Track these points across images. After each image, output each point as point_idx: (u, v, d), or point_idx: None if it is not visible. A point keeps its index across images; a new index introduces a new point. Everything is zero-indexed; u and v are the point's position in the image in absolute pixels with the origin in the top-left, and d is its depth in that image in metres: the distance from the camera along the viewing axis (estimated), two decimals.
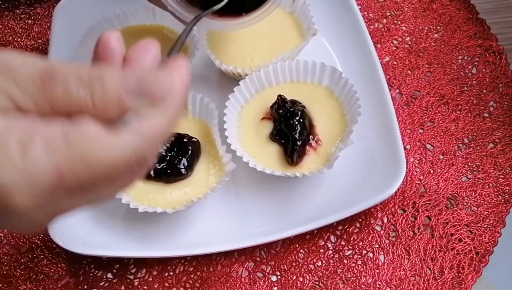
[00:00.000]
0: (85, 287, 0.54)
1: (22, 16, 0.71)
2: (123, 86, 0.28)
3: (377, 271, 0.54)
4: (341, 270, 0.54)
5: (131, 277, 0.55)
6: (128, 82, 0.28)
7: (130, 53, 0.32)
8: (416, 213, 0.57)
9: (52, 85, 0.27)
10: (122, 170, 0.28)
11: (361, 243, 0.55)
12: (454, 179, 0.58)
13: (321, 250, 0.55)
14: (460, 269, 0.54)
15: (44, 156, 0.26)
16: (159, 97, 0.29)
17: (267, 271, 0.54)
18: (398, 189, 0.55)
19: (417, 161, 0.59)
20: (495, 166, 0.59)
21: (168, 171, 0.53)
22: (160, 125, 0.29)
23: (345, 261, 0.54)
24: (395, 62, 0.65)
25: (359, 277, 0.54)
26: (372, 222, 0.56)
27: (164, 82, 0.29)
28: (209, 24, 0.51)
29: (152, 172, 0.53)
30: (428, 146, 0.60)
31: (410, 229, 0.56)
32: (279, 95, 0.56)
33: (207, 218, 0.56)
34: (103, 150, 0.27)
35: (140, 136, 0.28)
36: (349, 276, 0.54)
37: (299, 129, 0.54)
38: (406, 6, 0.69)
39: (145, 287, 0.54)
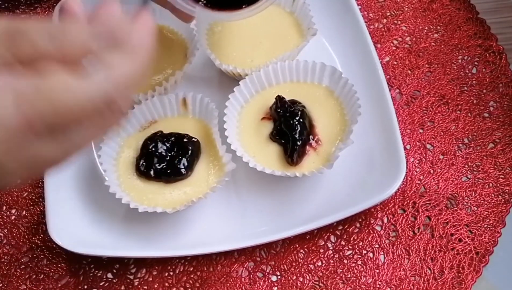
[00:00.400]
0: (85, 287, 0.54)
1: (22, 16, 0.71)
2: (88, 32, 0.30)
3: (377, 271, 0.54)
4: (341, 270, 0.54)
5: (131, 277, 0.55)
6: (93, 29, 0.30)
7: (93, 14, 0.33)
8: (416, 213, 0.57)
9: (20, 39, 0.28)
10: (90, 112, 0.29)
11: (361, 243, 0.55)
12: (454, 179, 0.58)
13: (321, 250, 0.55)
14: (460, 269, 0.54)
15: (12, 105, 0.27)
16: (124, 39, 0.31)
17: (267, 271, 0.54)
18: (398, 189, 0.55)
19: (417, 161, 0.59)
20: (495, 166, 0.59)
21: (168, 171, 0.53)
22: (129, 70, 0.30)
23: (345, 261, 0.54)
24: (395, 62, 0.65)
25: (359, 277, 0.54)
26: (372, 222, 0.56)
27: (127, 26, 0.31)
28: (211, 16, 0.52)
29: (152, 172, 0.53)
30: (428, 146, 0.60)
31: (410, 229, 0.56)
32: (277, 96, 0.56)
33: (207, 218, 0.56)
34: (70, 93, 0.28)
35: (110, 82, 0.30)
36: (349, 276, 0.54)
37: (299, 129, 0.54)
38: (406, 6, 0.69)
39: (145, 287, 0.54)
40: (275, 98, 0.56)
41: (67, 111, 0.28)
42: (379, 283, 0.53)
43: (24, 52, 0.28)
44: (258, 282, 0.54)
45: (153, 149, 0.54)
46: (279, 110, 0.55)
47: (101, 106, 0.30)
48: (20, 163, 0.30)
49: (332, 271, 0.54)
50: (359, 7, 0.65)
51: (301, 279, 0.54)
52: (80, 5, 0.33)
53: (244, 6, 0.51)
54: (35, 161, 0.30)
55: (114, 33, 0.30)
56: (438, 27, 0.67)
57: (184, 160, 0.53)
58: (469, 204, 0.57)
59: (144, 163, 0.54)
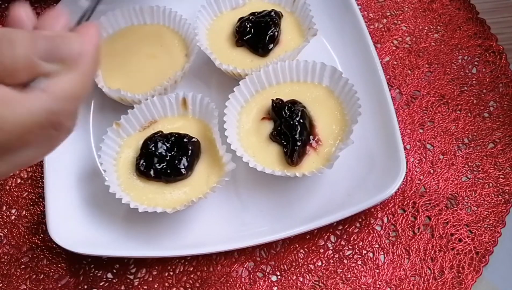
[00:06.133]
0: (85, 287, 0.54)
1: None
2: (33, 48, 0.28)
3: (377, 271, 0.54)
4: (341, 270, 0.54)
5: (131, 277, 0.55)
6: (38, 44, 0.28)
7: (40, 21, 0.32)
8: (416, 213, 0.57)
9: None
10: (35, 130, 0.28)
11: (361, 243, 0.55)
12: (454, 179, 0.58)
13: (321, 250, 0.55)
14: (460, 269, 0.54)
15: None
16: (70, 59, 0.29)
17: (267, 271, 0.54)
18: (398, 189, 0.55)
19: (417, 161, 0.59)
20: (495, 166, 0.59)
21: (168, 171, 0.53)
22: (71, 84, 0.29)
23: (345, 261, 0.54)
24: (395, 62, 0.65)
25: (359, 277, 0.54)
26: (372, 222, 0.56)
27: (74, 43, 0.30)
28: None
29: (152, 172, 0.53)
30: (428, 146, 0.60)
31: (410, 229, 0.56)
32: (273, 100, 0.56)
33: (207, 218, 0.56)
34: (12, 110, 0.27)
35: (51, 95, 0.28)
36: (349, 276, 0.54)
37: (299, 129, 0.54)
38: (406, 6, 0.69)
39: (145, 287, 0.54)
40: (271, 101, 0.56)
41: (12, 132, 0.27)
42: (379, 283, 0.53)
43: None
44: (258, 282, 0.54)
45: (153, 149, 0.54)
46: (278, 110, 0.55)
47: (44, 122, 0.28)
48: None
49: (332, 271, 0.54)
50: (359, 7, 0.65)
51: (301, 279, 0.54)
52: (28, 12, 0.32)
53: None
54: None
55: (58, 46, 0.29)
56: (438, 27, 0.67)
57: (184, 160, 0.53)
58: (469, 204, 0.57)
59: (144, 163, 0.54)
